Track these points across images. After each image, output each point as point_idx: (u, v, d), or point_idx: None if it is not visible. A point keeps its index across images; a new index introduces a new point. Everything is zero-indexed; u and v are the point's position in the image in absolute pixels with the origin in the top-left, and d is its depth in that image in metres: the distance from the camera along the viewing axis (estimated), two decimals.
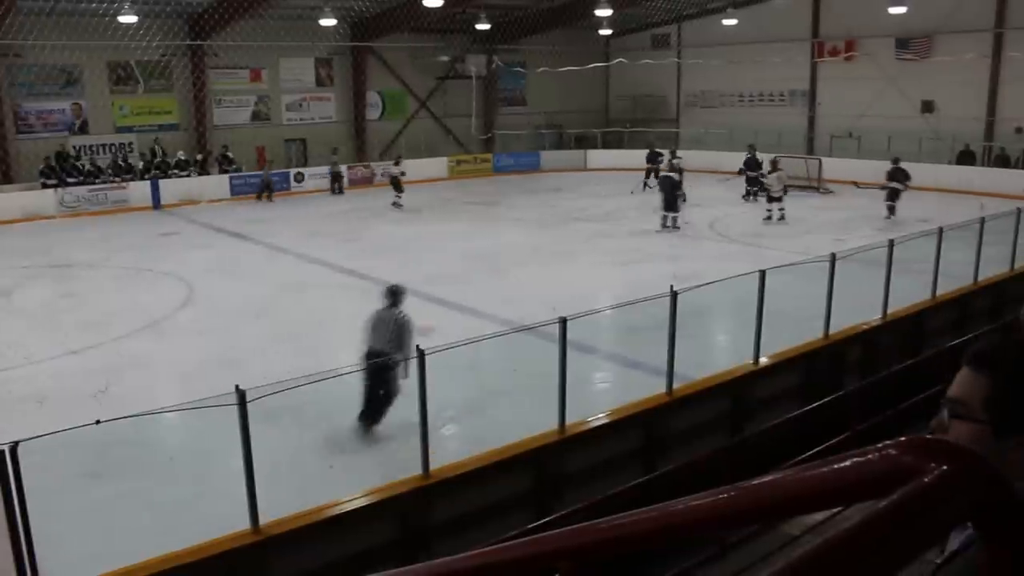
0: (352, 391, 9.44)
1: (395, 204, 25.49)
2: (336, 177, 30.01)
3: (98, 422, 5.81)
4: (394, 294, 9.58)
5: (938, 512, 0.81)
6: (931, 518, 0.81)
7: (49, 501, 6.34)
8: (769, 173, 22.94)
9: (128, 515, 7.50)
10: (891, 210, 21.83)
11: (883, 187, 22.50)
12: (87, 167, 26.85)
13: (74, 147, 27.24)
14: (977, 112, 29.16)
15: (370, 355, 9.05)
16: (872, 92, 31.13)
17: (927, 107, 30.10)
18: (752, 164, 26.07)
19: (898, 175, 22.16)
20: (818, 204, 25.13)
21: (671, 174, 22.09)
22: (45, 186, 25.27)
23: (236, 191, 28.24)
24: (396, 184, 25.86)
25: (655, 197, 22.90)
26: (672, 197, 21.23)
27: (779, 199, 22.17)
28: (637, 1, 29.65)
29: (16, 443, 5.48)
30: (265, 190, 28.33)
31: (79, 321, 13.77)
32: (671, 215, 21.26)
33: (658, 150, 30.44)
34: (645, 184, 28.46)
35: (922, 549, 0.80)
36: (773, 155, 24.59)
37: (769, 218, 22.29)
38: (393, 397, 8.96)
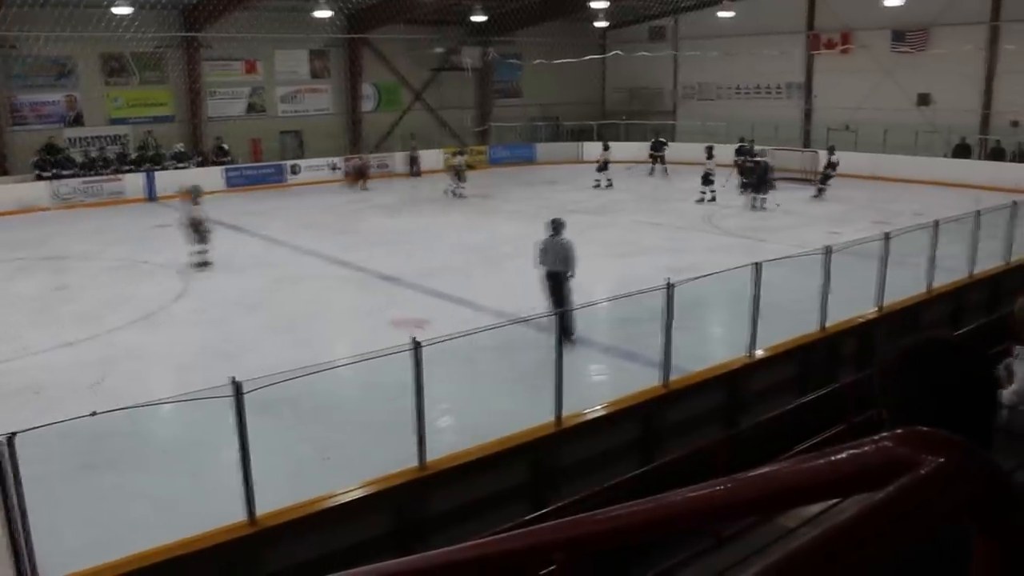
0: (348, 384, 9.46)
1: (456, 193, 26.09)
2: (413, 161, 31.92)
3: (94, 413, 5.81)
4: (557, 225, 12.21)
5: (934, 504, 0.81)
6: (927, 510, 0.81)
7: (46, 492, 6.33)
8: (707, 159, 25.26)
9: (124, 506, 7.50)
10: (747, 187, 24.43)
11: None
12: (80, 159, 26.76)
13: (68, 139, 27.15)
14: (973, 105, 29.19)
15: (548, 275, 11.91)
16: (868, 85, 31.15)
17: (923, 100, 30.13)
18: (747, 154, 26.36)
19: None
20: (814, 197, 25.11)
21: (765, 159, 24.49)
22: (40, 178, 25.20)
23: (231, 183, 28.18)
24: (459, 174, 26.46)
25: (651, 189, 22.93)
26: (765, 180, 23.30)
27: (711, 182, 24.45)
28: None
29: (13, 434, 5.47)
30: (359, 176, 28.85)
31: (74, 313, 13.75)
32: (760, 196, 23.22)
33: (662, 140, 31.21)
34: (652, 170, 29.79)
35: (918, 541, 0.81)
36: (709, 144, 26.88)
37: (701, 200, 24.16)
38: (569, 303, 11.20)
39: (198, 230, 16.89)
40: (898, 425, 1.34)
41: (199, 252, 16.90)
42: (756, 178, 23.63)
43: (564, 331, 9.76)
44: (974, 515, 0.82)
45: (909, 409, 1.53)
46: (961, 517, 0.82)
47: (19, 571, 5.61)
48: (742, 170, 25.96)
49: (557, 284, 11.86)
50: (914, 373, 1.61)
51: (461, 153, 28.26)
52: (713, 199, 24.13)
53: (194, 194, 17.60)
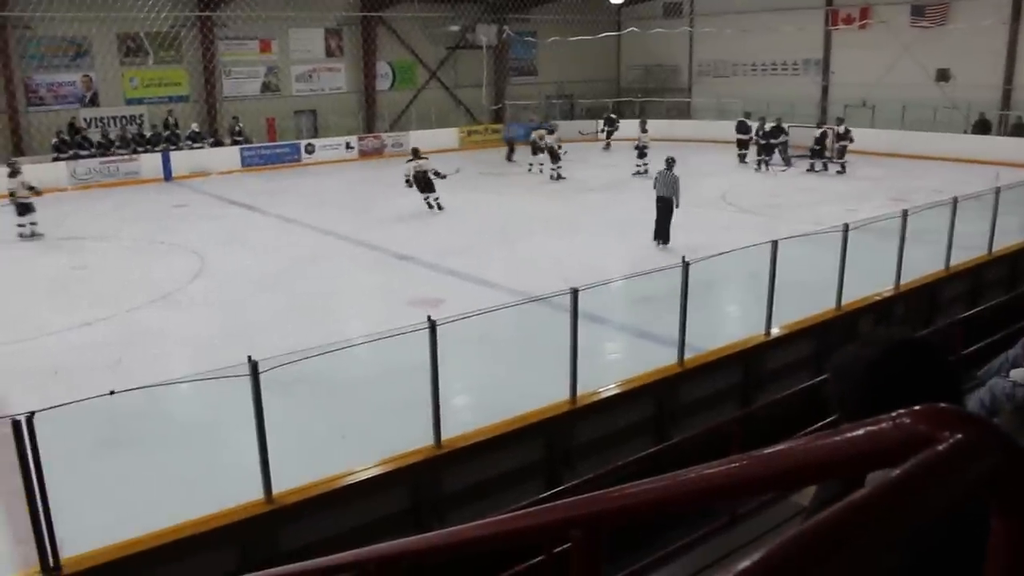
0: (364, 363, 9.49)
1: (555, 174, 24.65)
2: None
3: (112, 392, 5.85)
4: (669, 162, 16.46)
5: (952, 480, 0.81)
6: (945, 486, 0.81)
7: (65, 471, 6.40)
8: (642, 134, 26.02)
9: (142, 485, 7.57)
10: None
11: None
12: (98, 139, 26.88)
13: (84, 119, 27.24)
14: (994, 80, 28.83)
15: (658, 199, 16.14)
16: (886, 60, 30.82)
17: (942, 76, 29.78)
18: (774, 132, 26.14)
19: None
20: (839, 173, 24.95)
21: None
22: (57, 159, 25.31)
23: (247, 163, 28.25)
24: (553, 154, 24.90)
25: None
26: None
27: (644, 155, 25.15)
28: None
29: (32, 413, 5.53)
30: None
31: (92, 293, 13.84)
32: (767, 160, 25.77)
33: (613, 116, 31.89)
34: (742, 157, 27.64)
35: (936, 517, 0.80)
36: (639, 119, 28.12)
37: (637, 173, 24.64)
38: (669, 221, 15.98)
39: None
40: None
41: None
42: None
43: (664, 236, 16.06)
44: (992, 492, 0.81)
45: (867, 411, 1.50)
46: (979, 494, 0.82)
47: (40, 549, 5.69)
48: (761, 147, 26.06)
49: (666, 207, 16.12)
50: (872, 374, 1.61)
51: (551, 131, 25.88)
52: (646, 171, 23.78)
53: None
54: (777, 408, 8.74)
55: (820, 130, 25.81)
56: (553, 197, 22.22)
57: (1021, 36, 28.21)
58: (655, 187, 16.32)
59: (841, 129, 25.37)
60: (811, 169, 25.38)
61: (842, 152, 25.19)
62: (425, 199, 20.19)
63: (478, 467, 7.62)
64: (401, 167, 20.88)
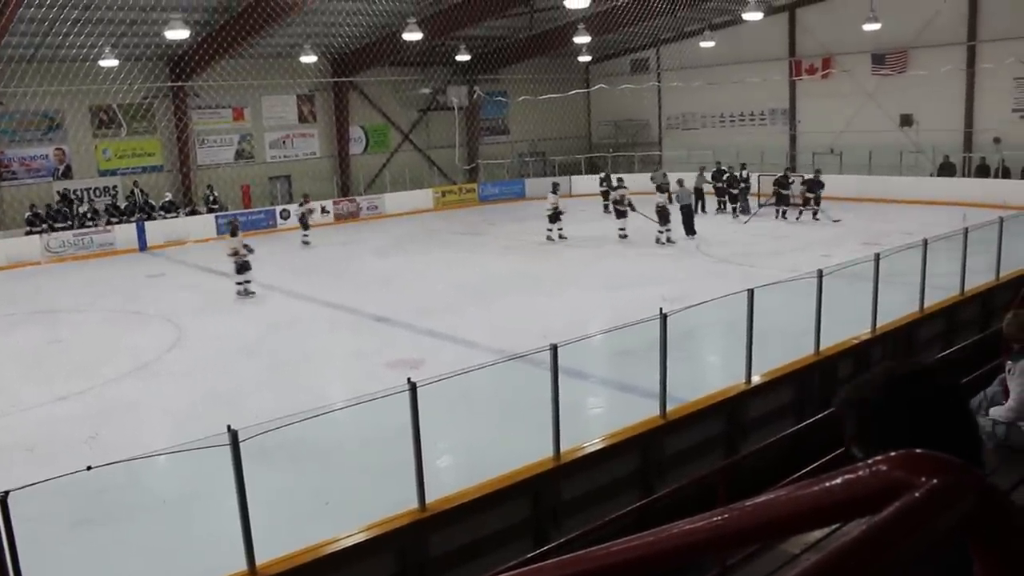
0: (345, 428, 9.41)
1: (667, 238, 22.59)
2: (699, 194, 27.46)
3: (89, 468, 5.75)
4: (680, 181, 22.25)
5: (931, 525, 0.82)
6: (924, 531, 0.81)
7: (42, 550, 6.26)
8: (615, 188, 25.03)
9: (123, 561, 7.41)
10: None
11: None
12: (78, 210, 26.86)
13: (58, 192, 27.21)
14: (955, 124, 29.47)
15: (682, 207, 22.61)
16: (851, 108, 31.47)
17: (906, 120, 30.41)
18: (731, 180, 26.76)
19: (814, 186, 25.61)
20: (805, 221, 25.28)
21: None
22: (31, 232, 25.21)
23: (222, 230, 28.16)
24: (620, 210, 23.46)
25: (642, 222, 23.02)
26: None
27: (624, 214, 23.73)
28: (615, 27, 29.94)
29: (6, 493, 5.43)
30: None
31: (67, 366, 13.68)
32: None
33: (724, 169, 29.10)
34: (721, 205, 27.73)
35: (917, 562, 0.81)
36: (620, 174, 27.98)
37: (623, 235, 23.54)
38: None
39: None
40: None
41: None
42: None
43: (692, 230, 22.35)
44: (971, 535, 0.82)
45: (888, 442, 1.51)
46: (959, 537, 0.82)
47: None
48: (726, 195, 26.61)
49: (689, 211, 22.89)
50: (891, 403, 1.58)
51: (622, 183, 24.58)
52: (626, 236, 23.32)
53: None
54: (762, 456, 8.72)
55: (780, 175, 26.25)
56: (530, 255, 22.32)
57: (978, 81, 28.92)
58: (678, 199, 22.90)
59: (807, 176, 25.76)
60: (780, 216, 25.77)
61: (814, 200, 25.46)
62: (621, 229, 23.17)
63: (464, 529, 7.53)
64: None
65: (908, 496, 0.81)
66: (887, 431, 1.53)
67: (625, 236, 23.26)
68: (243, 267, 18.49)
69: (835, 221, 24.25)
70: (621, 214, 23.48)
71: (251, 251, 18.65)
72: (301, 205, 26.84)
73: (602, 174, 30.29)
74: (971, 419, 1.62)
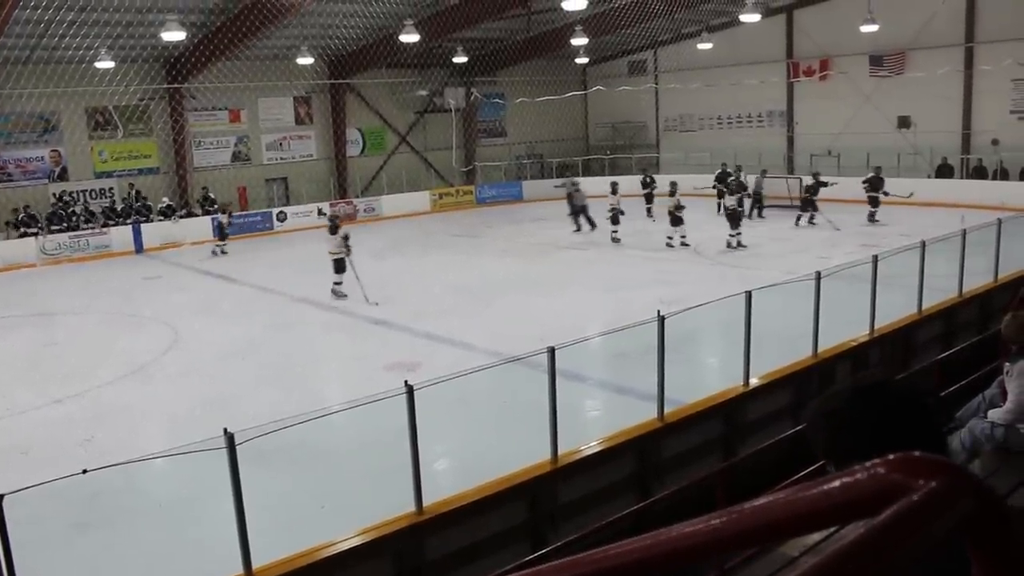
0: (342, 431, 9.39)
1: (682, 241, 22.18)
2: (758, 198, 27.20)
3: (85, 471, 5.73)
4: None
5: (929, 528, 0.81)
6: (922, 534, 0.80)
7: (37, 554, 6.24)
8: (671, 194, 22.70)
9: (118, 564, 7.39)
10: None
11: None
12: (73, 212, 26.81)
13: (54, 194, 27.18)
14: (953, 126, 29.53)
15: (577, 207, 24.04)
16: (849, 110, 31.52)
17: (903, 122, 30.45)
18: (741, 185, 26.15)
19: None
20: (759, 219, 25.34)
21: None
22: (25, 235, 25.16)
23: (218, 232, 28.19)
24: (677, 216, 22.26)
25: (642, 224, 23.04)
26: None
27: (618, 220, 23.37)
28: (612, 29, 29.98)
29: (1, 496, 5.40)
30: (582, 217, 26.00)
31: (63, 369, 13.64)
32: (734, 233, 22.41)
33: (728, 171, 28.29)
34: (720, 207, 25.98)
35: (915, 565, 0.80)
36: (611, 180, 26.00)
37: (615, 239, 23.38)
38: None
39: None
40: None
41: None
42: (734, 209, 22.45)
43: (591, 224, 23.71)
44: (969, 537, 0.81)
45: (858, 453, 1.51)
46: (956, 540, 0.82)
47: None
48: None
49: (583, 209, 24.48)
50: (858, 414, 1.62)
51: (675, 188, 23.01)
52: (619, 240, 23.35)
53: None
54: (760, 458, 8.71)
55: (812, 181, 25.02)
56: (526, 257, 22.32)
57: (975, 82, 28.97)
58: (579, 199, 24.91)
59: (809, 180, 25.43)
60: (809, 221, 24.75)
61: (809, 203, 25.12)
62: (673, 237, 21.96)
63: (461, 532, 7.51)
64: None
65: (906, 499, 0.81)
66: (856, 442, 1.56)
67: (687, 244, 22.07)
68: (339, 266, 17.78)
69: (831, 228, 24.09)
70: (677, 220, 22.13)
71: (349, 250, 17.80)
72: (223, 212, 26.34)
73: (645, 176, 29.02)
74: (937, 428, 1.67)
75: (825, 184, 24.88)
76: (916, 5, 28.79)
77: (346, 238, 17.80)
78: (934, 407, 1.69)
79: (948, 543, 0.81)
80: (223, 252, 24.73)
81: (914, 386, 1.78)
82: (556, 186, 28.09)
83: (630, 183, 29.68)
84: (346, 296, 17.51)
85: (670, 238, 22.12)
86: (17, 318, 17.93)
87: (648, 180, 28.29)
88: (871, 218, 24.44)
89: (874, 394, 1.65)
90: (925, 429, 1.60)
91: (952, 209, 23.25)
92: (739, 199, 22.43)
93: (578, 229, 25.43)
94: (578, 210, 25.63)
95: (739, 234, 21.52)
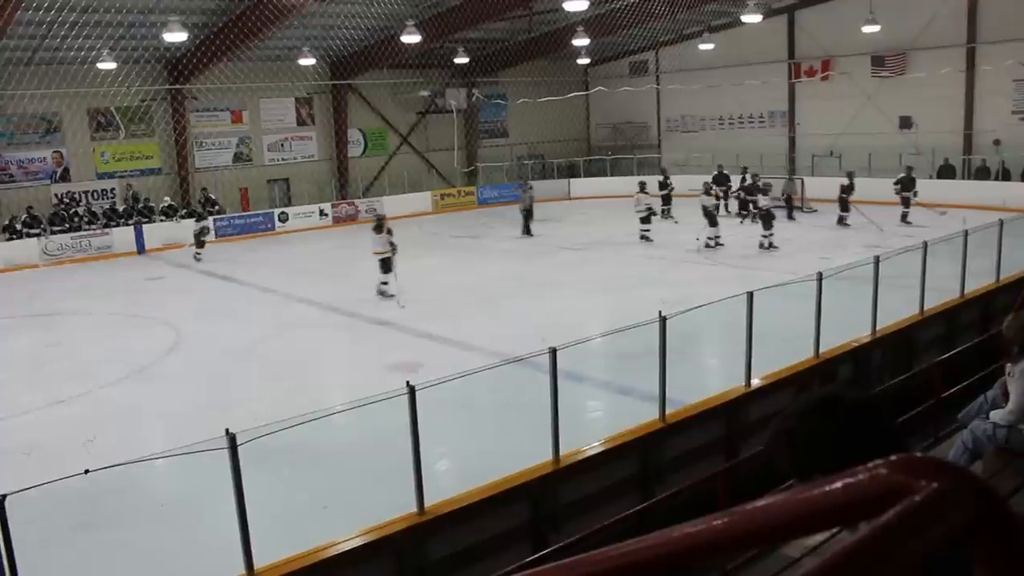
0: (344, 431, 9.40)
1: (717, 241, 21.94)
2: (788, 200, 26.78)
3: (87, 472, 5.74)
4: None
5: (931, 529, 0.81)
6: (925, 535, 0.81)
7: (40, 554, 6.25)
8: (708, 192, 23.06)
9: (120, 565, 7.40)
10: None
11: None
12: (74, 211, 26.81)
13: (55, 195, 27.20)
14: (955, 126, 29.49)
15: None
16: (850, 110, 31.50)
17: (905, 123, 30.41)
18: (752, 188, 25.84)
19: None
20: (804, 223, 25.28)
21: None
22: (28, 235, 25.18)
23: (221, 233, 28.20)
24: (712, 217, 22.19)
25: (657, 224, 23.03)
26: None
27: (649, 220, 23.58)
28: (614, 30, 29.97)
29: (3, 496, 5.41)
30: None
31: (65, 370, 13.66)
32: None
33: (725, 172, 28.44)
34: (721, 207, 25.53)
35: (916, 567, 0.80)
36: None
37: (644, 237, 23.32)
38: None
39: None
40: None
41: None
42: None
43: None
44: (972, 539, 0.82)
45: (821, 467, 1.53)
46: (959, 541, 0.82)
47: None
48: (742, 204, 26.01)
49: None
50: (816, 428, 1.66)
51: (711, 188, 23.10)
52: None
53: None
54: (762, 459, 8.70)
55: (847, 182, 24.73)
56: (528, 258, 22.32)
57: (977, 83, 28.94)
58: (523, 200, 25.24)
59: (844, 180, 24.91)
60: (841, 224, 24.46)
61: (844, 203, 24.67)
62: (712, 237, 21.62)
63: (463, 533, 7.51)
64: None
65: (908, 500, 0.81)
66: (816, 457, 1.59)
67: (722, 244, 21.85)
68: (386, 266, 17.59)
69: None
70: (714, 220, 22.04)
71: (395, 248, 17.63)
72: (197, 221, 25.05)
73: (662, 177, 28.38)
74: (896, 436, 1.69)
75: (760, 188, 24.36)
76: (918, 5, 28.76)
77: (390, 232, 17.69)
78: (888, 416, 1.74)
79: (950, 545, 0.81)
80: (197, 259, 23.84)
81: (867, 397, 1.80)
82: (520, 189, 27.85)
83: (635, 184, 29.67)
84: (393, 296, 17.38)
85: (710, 239, 21.88)
86: (20, 319, 17.94)
87: (666, 181, 27.98)
88: (904, 219, 24.19)
89: (826, 408, 1.70)
90: (883, 438, 1.63)
91: (953, 209, 23.23)
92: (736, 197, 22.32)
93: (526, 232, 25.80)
94: (524, 212, 26.02)
95: (771, 234, 21.29)
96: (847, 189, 24.78)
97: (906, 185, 24.69)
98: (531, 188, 27.06)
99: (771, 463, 1.72)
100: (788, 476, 1.69)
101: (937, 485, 0.81)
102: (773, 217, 21.62)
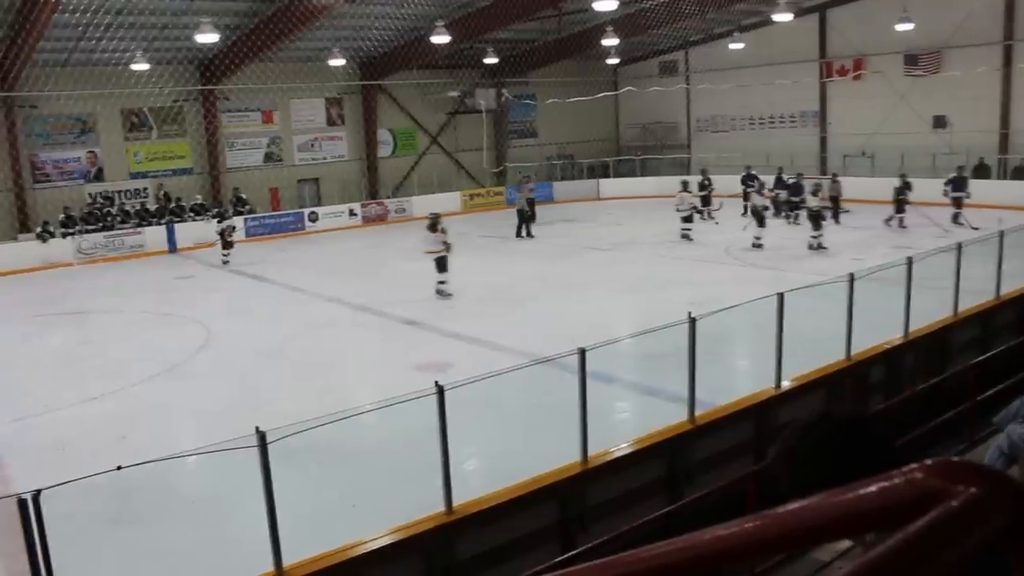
0: (373, 430, 9.43)
1: (819, 244, 21.18)
2: (835, 201, 25.35)
3: (119, 468, 5.80)
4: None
5: (969, 534, 0.79)
6: (962, 541, 0.79)
7: (73, 549, 6.32)
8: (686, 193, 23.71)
9: (152, 561, 7.47)
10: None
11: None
12: (107, 210, 27.12)
13: (89, 195, 27.54)
14: (990, 125, 29.08)
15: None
16: (883, 109, 31.16)
17: (939, 122, 30.05)
18: (796, 188, 25.30)
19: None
20: (835, 224, 25.01)
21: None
22: (64, 235, 25.51)
23: (251, 232, 28.43)
24: (760, 218, 21.86)
25: (672, 223, 22.93)
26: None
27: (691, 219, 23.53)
28: (643, 29, 29.87)
29: (38, 491, 5.48)
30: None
31: (98, 367, 13.83)
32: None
33: (753, 172, 28.09)
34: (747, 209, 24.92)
35: (953, 572, 0.78)
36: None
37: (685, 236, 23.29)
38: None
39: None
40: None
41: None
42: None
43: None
44: (1011, 544, 0.80)
45: (822, 484, 1.52)
46: (997, 547, 0.80)
47: None
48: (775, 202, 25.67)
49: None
50: (814, 450, 1.69)
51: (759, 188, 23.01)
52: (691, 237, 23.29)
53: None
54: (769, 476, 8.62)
55: (901, 183, 24.07)
56: (557, 258, 22.29)
57: (1014, 81, 28.52)
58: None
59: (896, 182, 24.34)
60: (899, 224, 23.76)
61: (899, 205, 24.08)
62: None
63: (491, 533, 7.51)
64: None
65: (945, 505, 0.79)
66: (817, 474, 1.60)
67: (760, 246, 21.53)
68: (442, 265, 17.57)
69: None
70: (762, 220, 21.80)
71: (450, 247, 17.62)
72: (220, 221, 24.54)
73: (744, 172, 27.78)
74: (892, 450, 1.69)
75: (909, 186, 24.01)
76: (952, 3, 28.38)
77: (444, 231, 17.68)
78: (880, 431, 1.75)
79: (989, 550, 0.80)
80: (224, 261, 23.81)
81: (859, 414, 1.83)
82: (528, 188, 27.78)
83: (664, 184, 29.56)
84: (451, 296, 17.44)
85: (756, 238, 21.72)
86: (54, 316, 18.19)
87: (706, 182, 27.44)
88: (955, 219, 23.19)
89: (821, 427, 1.73)
90: (880, 453, 1.64)
91: (989, 210, 22.91)
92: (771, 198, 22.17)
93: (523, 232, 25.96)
94: (520, 212, 26.13)
95: (821, 235, 21.05)
96: (903, 190, 24.00)
97: (957, 185, 24.12)
98: (532, 189, 26.94)
99: (775, 484, 1.72)
100: (789, 496, 1.68)
101: (975, 490, 0.80)
102: (823, 218, 21.46)
